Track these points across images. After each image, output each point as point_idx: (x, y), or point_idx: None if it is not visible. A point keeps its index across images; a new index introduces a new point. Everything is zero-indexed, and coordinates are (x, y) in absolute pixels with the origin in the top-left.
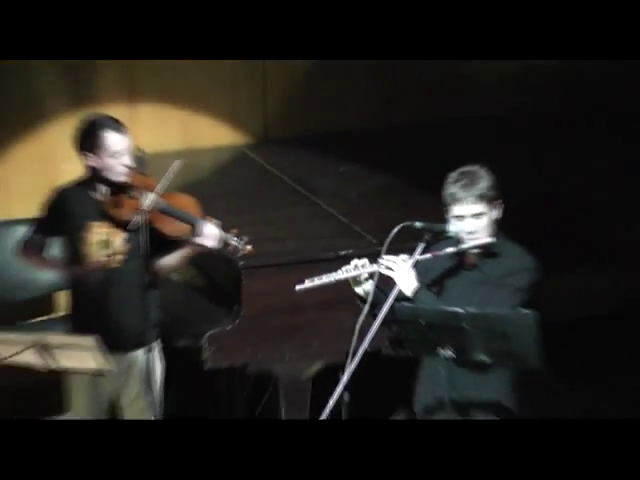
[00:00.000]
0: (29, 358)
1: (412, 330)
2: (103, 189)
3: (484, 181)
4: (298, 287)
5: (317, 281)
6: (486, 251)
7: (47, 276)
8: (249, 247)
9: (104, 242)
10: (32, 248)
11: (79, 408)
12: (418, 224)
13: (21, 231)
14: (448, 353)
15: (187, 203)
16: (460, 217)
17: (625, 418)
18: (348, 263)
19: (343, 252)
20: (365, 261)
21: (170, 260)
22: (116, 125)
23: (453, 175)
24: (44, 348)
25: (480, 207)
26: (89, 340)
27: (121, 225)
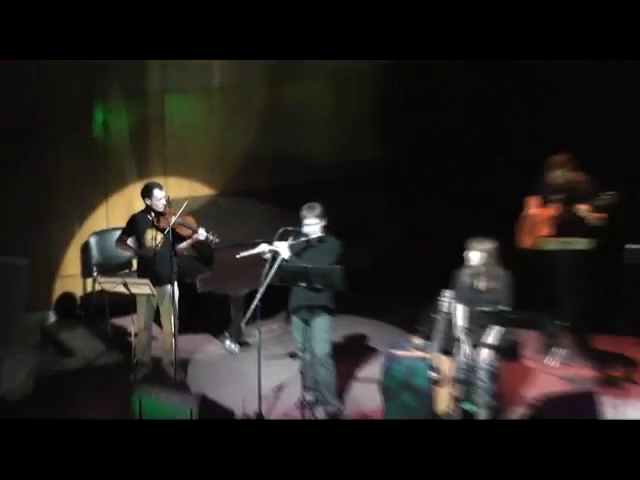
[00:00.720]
0: (120, 289)
1: (287, 275)
2: (152, 214)
3: (318, 209)
4: (237, 256)
5: (246, 253)
6: (319, 239)
7: (127, 253)
8: (217, 240)
9: (153, 238)
10: (121, 241)
11: (141, 312)
12: (290, 228)
13: (117, 233)
14: (303, 285)
15: (190, 220)
16: (308, 224)
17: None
18: (259, 245)
19: (258, 240)
20: (267, 245)
21: (183, 245)
22: (158, 185)
23: (304, 206)
24: (126, 284)
25: (316, 220)
26: (145, 281)
27: (160, 230)
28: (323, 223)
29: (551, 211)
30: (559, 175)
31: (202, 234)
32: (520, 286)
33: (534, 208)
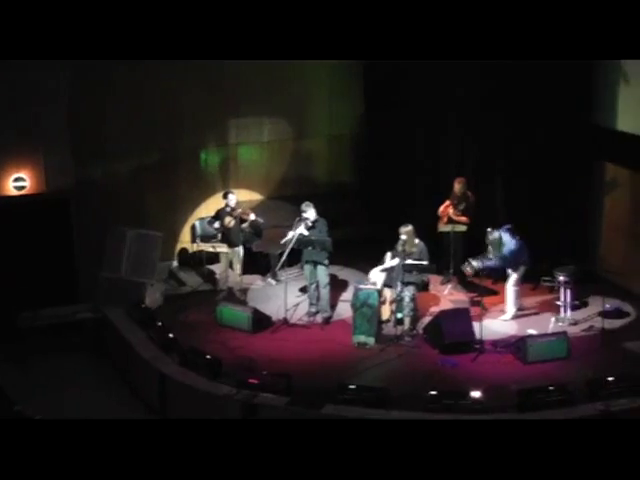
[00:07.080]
0: (210, 249)
1: (301, 242)
2: (229, 208)
3: (311, 205)
4: (282, 241)
5: (287, 238)
6: (315, 220)
7: (214, 228)
8: (262, 221)
9: (228, 222)
10: (209, 223)
11: (222, 262)
12: (299, 218)
13: (206, 219)
14: (310, 248)
15: (248, 211)
16: (306, 213)
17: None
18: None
19: (288, 224)
20: (292, 232)
21: (244, 225)
22: (232, 192)
23: (303, 203)
24: (213, 247)
25: (312, 210)
26: (224, 245)
27: (232, 216)
28: (314, 211)
29: (446, 210)
30: (458, 189)
31: (253, 217)
32: (434, 249)
33: (442, 208)
